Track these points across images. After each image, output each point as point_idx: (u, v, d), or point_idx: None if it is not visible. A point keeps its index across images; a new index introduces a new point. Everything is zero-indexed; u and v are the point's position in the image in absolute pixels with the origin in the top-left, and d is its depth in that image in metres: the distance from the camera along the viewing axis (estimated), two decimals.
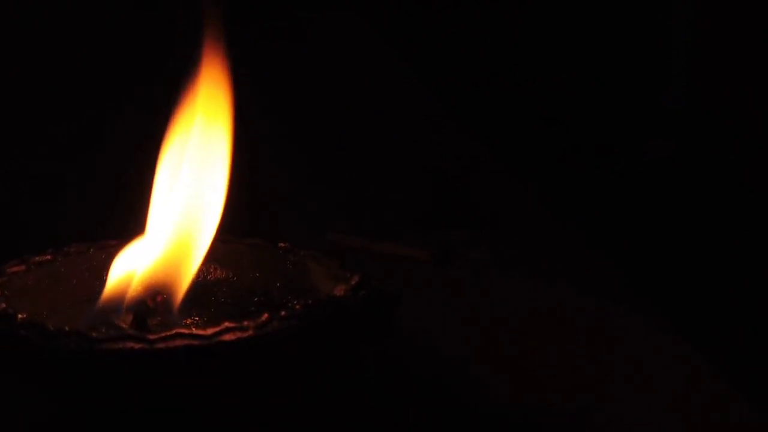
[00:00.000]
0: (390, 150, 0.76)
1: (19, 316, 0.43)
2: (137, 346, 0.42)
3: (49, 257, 0.48)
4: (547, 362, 0.52)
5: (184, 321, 0.47)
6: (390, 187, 0.74)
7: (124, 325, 0.45)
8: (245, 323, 0.43)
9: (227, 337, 0.42)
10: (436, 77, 0.80)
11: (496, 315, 0.57)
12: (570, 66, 0.81)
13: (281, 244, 0.49)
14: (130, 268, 0.46)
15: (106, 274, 0.48)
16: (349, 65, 0.81)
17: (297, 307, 0.44)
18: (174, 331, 0.42)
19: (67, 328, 0.42)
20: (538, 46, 0.81)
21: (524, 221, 0.70)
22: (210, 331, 0.42)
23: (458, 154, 0.76)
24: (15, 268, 0.47)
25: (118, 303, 0.45)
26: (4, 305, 0.44)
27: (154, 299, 0.46)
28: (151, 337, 0.42)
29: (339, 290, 0.45)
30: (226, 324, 0.43)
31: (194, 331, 0.42)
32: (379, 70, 0.80)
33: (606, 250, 0.67)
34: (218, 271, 0.50)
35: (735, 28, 0.78)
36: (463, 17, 0.83)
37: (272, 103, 0.76)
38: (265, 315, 0.43)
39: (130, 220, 0.50)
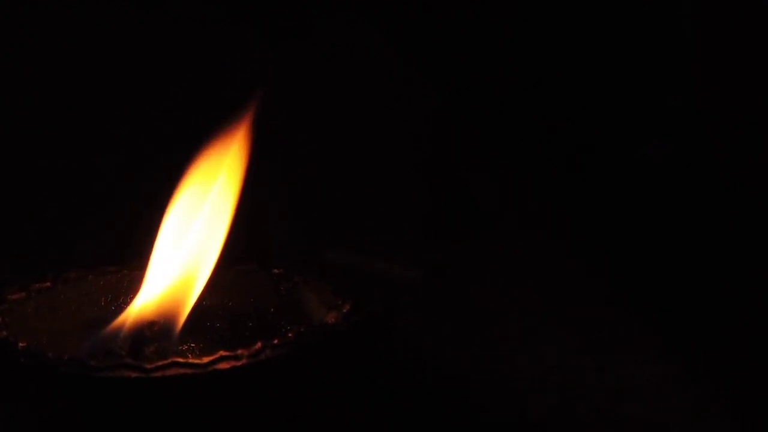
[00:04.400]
0: (388, 159, 0.77)
1: (20, 344, 0.44)
2: (134, 374, 0.43)
3: (48, 284, 0.49)
4: (543, 379, 0.53)
5: (181, 348, 0.48)
6: (387, 199, 0.74)
7: (122, 353, 0.46)
8: (239, 352, 0.44)
9: (221, 366, 0.44)
10: (436, 82, 0.80)
11: (489, 331, 0.57)
12: (567, 67, 0.81)
13: (275, 270, 0.51)
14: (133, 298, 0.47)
15: (105, 300, 0.50)
16: (345, 69, 0.81)
17: (289, 335, 0.45)
18: (170, 360, 0.43)
19: (66, 357, 0.44)
20: (536, 49, 0.81)
21: (520, 232, 0.71)
22: (204, 360, 0.44)
23: (456, 162, 0.77)
24: (15, 296, 0.48)
25: (116, 330, 0.47)
26: (5, 333, 0.45)
27: (151, 328, 0.47)
28: (148, 366, 0.43)
29: (331, 317, 0.47)
30: (221, 353, 0.44)
31: (189, 360, 0.44)
32: (378, 76, 0.80)
33: (602, 254, 0.68)
34: (214, 297, 0.51)
35: (736, 29, 0.78)
36: (461, 18, 0.83)
37: (267, 118, 0.77)
38: (259, 343, 0.44)
39: (128, 246, 0.51)
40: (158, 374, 0.43)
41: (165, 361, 0.43)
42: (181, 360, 0.43)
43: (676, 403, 0.51)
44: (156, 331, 0.47)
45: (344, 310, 0.46)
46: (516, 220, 0.73)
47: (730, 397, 0.51)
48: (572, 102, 0.82)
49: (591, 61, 0.82)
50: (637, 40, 0.82)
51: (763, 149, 0.77)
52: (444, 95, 0.82)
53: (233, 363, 0.44)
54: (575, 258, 0.66)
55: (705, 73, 0.80)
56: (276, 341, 0.44)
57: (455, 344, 0.56)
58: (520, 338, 0.57)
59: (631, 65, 0.82)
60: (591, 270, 0.65)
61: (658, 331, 0.57)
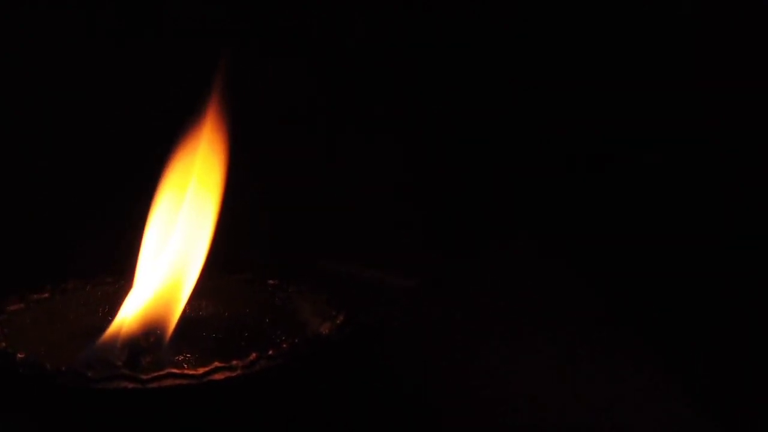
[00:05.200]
0: (382, 174, 0.77)
1: (19, 355, 0.45)
2: (131, 385, 0.44)
3: (46, 294, 0.50)
4: (537, 385, 0.53)
5: (177, 357, 0.49)
6: (382, 212, 0.75)
7: (119, 363, 0.47)
8: (234, 363, 0.45)
9: (216, 376, 0.44)
10: (436, 89, 0.80)
11: (485, 338, 0.58)
12: (566, 73, 0.81)
13: (271, 281, 0.51)
14: (125, 308, 0.48)
15: (103, 310, 0.50)
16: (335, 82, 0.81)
17: (284, 345, 0.46)
18: (165, 371, 0.44)
19: (63, 368, 0.44)
20: (535, 58, 0.81)
21: (517, 240, 0.71)
22: (200, 370, 0.44)
23: (451, 180, 0.77)
24: (14, 306, 0.49)
25: (113, 341, 0.47)
26: (3, 344, 0.46)
27: (147, 339, 0.48)
28: (144, 376, 0.44)
29: (325, 328, 0.47)
30: (216, 363, 0.45)
31: (185, 371, 0.44)
32: (376, 79, 0.80)
33: (597, 263, 0.68)
34: (210, 307, 0.52)
35: (736, 34, 0.78)
36: (463, 22, 0.83)
37: (261, 126, 0.77)
38: (253, 354, 0.45)
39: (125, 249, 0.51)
40: (154, 385, 0.44)
41: (161, 372, 0.44)
42: (176, 371, 0.44)
43: (669, 410, 0.51)
44: (152, 341, 0.47)
45: (338, 321, 0.47)
46: (515, 228, 0.73)
47: (721, 403, 0.52)
48: (569, 108, 0.82)
49: (589, 69, 0.82)
50: (636, 45, 0.82)
51: (756, 162, 0.77)
52: (444, 104, 0.82)
53: (228, 374, 0.44)
54: (571, 266, 0.67)
55: (704, 77, 0.80)
56: (270, 352, 0.45)
57: (451, 350, 0.56)
58: (515, 345, 0.57)
59: (629, 71, 0.82)
60: (587, 279, 0.65)
61: (651, 339, 0.58)
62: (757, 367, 0.55)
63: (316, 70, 0.80)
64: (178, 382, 0.44)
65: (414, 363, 0.54)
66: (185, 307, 0.50)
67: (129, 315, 0.48)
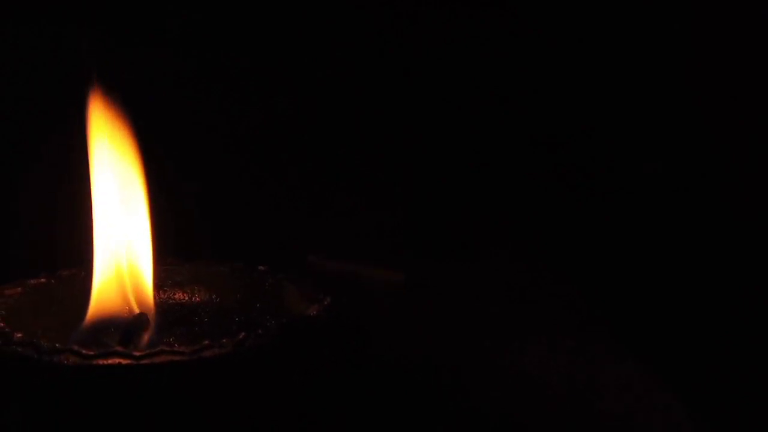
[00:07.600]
0: (373, 175, 0.78)
1: (16, 334, 0.46)
2: (124, 361, 0.45)
3: (43, 280, 0.52)
4: (522, 380, 0.54)
5: (170, 338, 0.50)
6: (371, 212, 0.76)
7: (112, 343, 0.48)
8: (224, 341, 0.46)
9: (207, 353, 0.46)
10: (422, 101, 0.81)
11: (467, 336, 0.59)
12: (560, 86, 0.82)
13: (260, 268, 0.53)
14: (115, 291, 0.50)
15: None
16: (328, 84, 0.82)
17: (272, 325, 0.47)
18: (158, 348, 0.46)
19: (59, 345, 0.46)
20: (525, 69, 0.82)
21: (502, 253, 0.73)
22: (191, 348, 0.46)
23: (441, 182, 0.78)
24: (11, 291, 0.51)
25: (106, 323, 0.49)
26: (1, 324, 0.47)
27: (139, 319, 0.49)
28: (137, 353, 0.46)
29: (312, 310, 0.49)
30: (207, 341, 0.46)
31: (176, 348, 0.46)
32: (361, 93, 0.81)
33: (576, 268, 0.69)
34: (202, 293, 0.54)
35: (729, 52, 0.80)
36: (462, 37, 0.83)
37: (253, 129, 0.78)
38: (243, 333, 0.47)
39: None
40: (147, 361, 0.45)
41: (153, 349, 0.46)
42: (168, 348, 0.46)
43: (646, 397, 0.53)
44: (144, 321, 0.49)
45: (324, 304, 0.49)
46: (505, 230, 0.74)
47: (689, 390, 0.53)
48: (566, 116, 0.83)
49: (586, 77, 0.83)
50: (633, 56, 0.83)
51: (753, 171, 0.79)
52: (438, 108, 0.83)
53: (218, 351, 0.46)
54: (553, 270, 0.68)
55: (701, 86, 0.81)
56: (259, 331, 0.47)
57: (436, 343, 0.57)
58: (500, 340, 0.58)
59: (627, 80, 0.83)
60: (567, 282, 0.66)
61: (624, 337, 0.59)
62: (729, 359, 0.57)
63: (312, 77, 0.81)
64: (169, 358, 0.46)
65: (400, 354, 0.55)
66: (179, 293, 0.52)
67: (107, 297, 0.49)
